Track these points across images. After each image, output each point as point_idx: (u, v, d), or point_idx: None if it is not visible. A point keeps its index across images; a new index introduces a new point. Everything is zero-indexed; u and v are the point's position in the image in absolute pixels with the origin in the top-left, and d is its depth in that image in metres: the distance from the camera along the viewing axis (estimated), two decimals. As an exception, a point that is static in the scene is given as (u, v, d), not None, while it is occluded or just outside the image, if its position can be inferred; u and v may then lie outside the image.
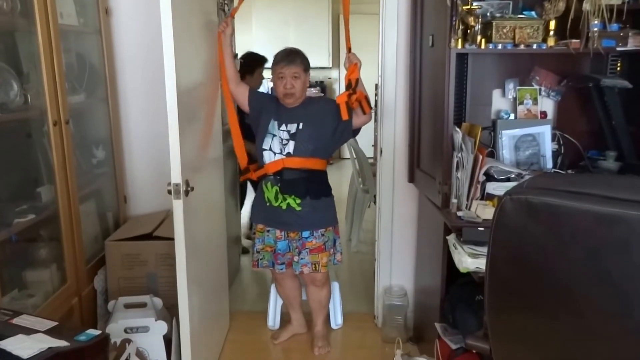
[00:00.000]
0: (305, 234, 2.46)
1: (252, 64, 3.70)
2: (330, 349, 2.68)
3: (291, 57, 2.39)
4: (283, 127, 2.41)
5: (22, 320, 1.43)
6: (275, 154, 2.41)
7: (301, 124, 2.39)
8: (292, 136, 2.39)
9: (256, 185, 2.65)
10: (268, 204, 2.46)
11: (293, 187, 2.41)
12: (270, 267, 2.58)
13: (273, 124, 2.43)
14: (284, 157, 2.39)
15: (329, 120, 2.40)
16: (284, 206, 2.42)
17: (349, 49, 2.43)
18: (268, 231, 2.52)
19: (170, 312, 2.35)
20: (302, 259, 2.48)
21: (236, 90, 2.51)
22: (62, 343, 1.32)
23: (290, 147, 2.38)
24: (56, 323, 1.45)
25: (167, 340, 2.24)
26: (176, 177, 1.92)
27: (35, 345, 1.27)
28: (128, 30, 2.72)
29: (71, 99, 2.31)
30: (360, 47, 3.91)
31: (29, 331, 1.36)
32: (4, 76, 1.94)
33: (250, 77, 3.55)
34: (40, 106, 2.06)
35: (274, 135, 2.42)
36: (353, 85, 2.32)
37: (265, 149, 2.42)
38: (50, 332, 1.38)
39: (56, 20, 2.08)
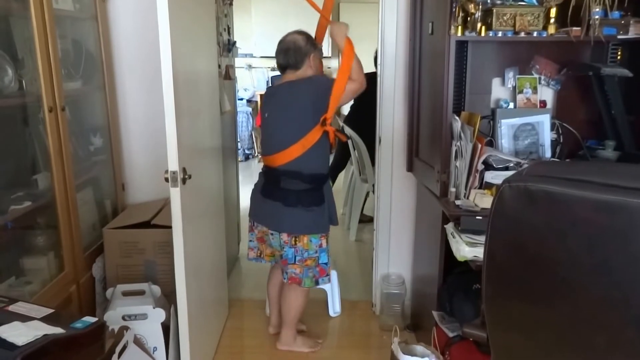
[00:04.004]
0: None
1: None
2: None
3: None
4: None
5: (18, 308, 1.42)
6: None
7: None
8: None
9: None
10: None
11: None
12: None
13: None
14: None
15: None
16: None
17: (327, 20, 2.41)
18: None
19: (168, 300, 2.35)
20: None
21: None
22: (58, 330, 1.31)
23: None
24: (52, 310, 1.44)
25: (166, 327, 2.24)
26: (173, 164, 1.91)
27: (31, 332, 1.26)
28: (125, 16, 2.69)
29: (67, 85, 2.29)
30: (360, 36, 3.89)
31: (24, 318, 1.35)
32: (-1, 61, 1.92)
33: None
34: (36, 92, 2.04)
35: None
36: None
37: None
38: (46, 319, 1.37)
39: (51, 4, 2.05)
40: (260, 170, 2.47)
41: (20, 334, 1.25)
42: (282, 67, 2.35)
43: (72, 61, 2.43)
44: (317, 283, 2.41)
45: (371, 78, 2.74)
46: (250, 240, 2.54)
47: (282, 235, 2.34)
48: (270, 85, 2.45)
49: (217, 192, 2.69)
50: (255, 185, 2.48)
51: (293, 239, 2.33)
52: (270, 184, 2.35)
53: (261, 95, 2.53)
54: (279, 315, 2.65)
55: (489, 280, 1.03)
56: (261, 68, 7.52)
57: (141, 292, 2.31)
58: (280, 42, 2.35)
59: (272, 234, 2.38)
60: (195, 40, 2.26)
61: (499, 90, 2.41)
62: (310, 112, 2.25)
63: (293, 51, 2.29)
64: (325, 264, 2.40)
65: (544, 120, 2.28)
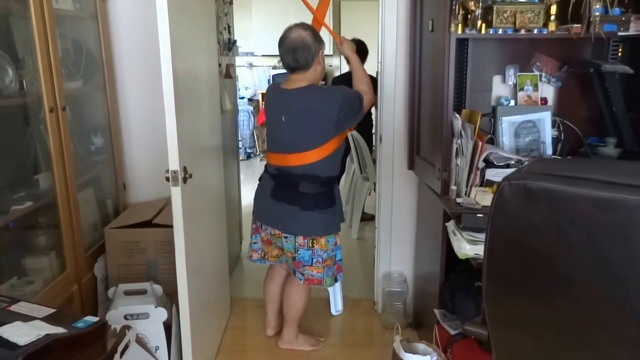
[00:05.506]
0: None
1: (364, 51, 3.66)
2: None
3: None
4: None
5: (20, 308, 1.43)
6: None
7: None
8: None
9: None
10: None
11: None
12: None
13: None
14: None
15: None
16: None
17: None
18: None
19: (170, 299, 2.36)
20: None
21: None
22: (60, 330, 1.31)
23: None
24: (54, 310, 1.45)
25: (168, 326, 2.24)
26: (174, 163, 1.91)
27: (33, 332, 1.27)
28: (124, 15, 2.70)
29: (68, 85, 2.29)
30: (360, 34, 3.91)
31: (26, 318, 1.36)
32: (-1, 62, 1.92)
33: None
34: (36, 92, 2.04)
35: None
36: None
37: None
38: (48, 319, 1.37)
39: (51, 4, 2.05)
40: (265, 171, 2.41)
41: (22, 333, 1.26)
42: (292, 69, 2.23)
43: (72, 61, 2.43)
44: (336, 280, 2.43)
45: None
46: (255, 243, 2.51)
47: (297, 238, 2.31)
48: (273, 82, 2.42)
49: (218, 191, 2.69)
50: (261, 187, 2.41)
51: (310, 241, 2.31)
52: (285, 187, 2.29)
53: (265, 92, 2.49)
54: (277, 315, 2.66)
55: (490, 278, 1.03)
56: (262, 67, 7.53)
57: (143, 292, 2.32)
58: (285, 40, 2.19)
59: (285, 237, 2.34)
60: (195, 40, 2.26)
61: (499, 88, 2.41)
62: (334, 125, 2.20)
63: (302, 50, 2.16)
64: (340, 260, 2.44)
65: (545, 118, 2.28)
